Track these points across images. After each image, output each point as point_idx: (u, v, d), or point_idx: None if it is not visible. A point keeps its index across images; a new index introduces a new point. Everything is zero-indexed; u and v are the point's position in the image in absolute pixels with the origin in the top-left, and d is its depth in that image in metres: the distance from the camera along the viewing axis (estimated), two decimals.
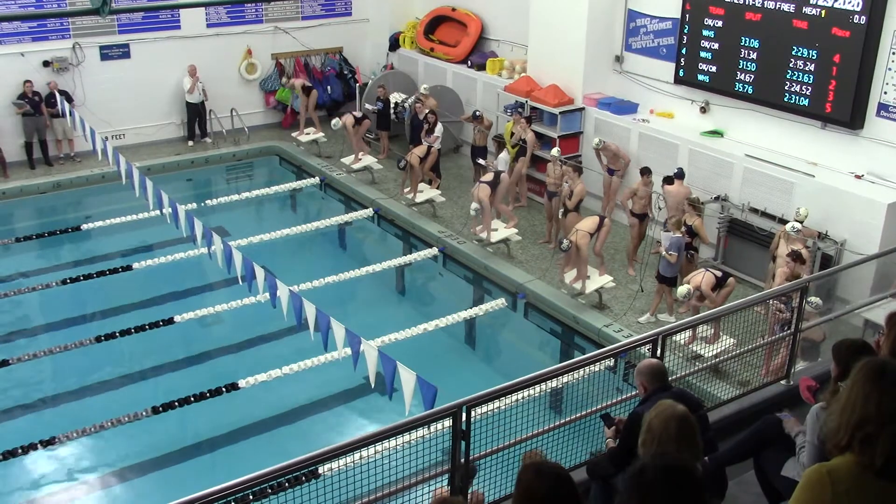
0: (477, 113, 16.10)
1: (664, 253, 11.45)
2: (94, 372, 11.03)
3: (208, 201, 16.19)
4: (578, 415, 6.18)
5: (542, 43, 16.01)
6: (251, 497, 5.51)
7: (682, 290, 10.65)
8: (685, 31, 13.89)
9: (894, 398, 2.94)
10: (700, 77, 13.82)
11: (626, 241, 14.14)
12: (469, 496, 5.29)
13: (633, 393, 6.11)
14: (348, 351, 8.88)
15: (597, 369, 6.79)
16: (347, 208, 16.32)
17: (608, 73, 15.46)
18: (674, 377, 6.41)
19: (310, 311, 9.13)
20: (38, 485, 9.32)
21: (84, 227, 14.94)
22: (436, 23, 19.30)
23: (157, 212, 13.00)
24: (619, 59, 15.34)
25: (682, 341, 10.10)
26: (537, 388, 5.79)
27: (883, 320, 5.12)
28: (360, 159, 17.05)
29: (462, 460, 5.30)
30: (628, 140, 14.51)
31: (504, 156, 14.97)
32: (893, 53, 11.41)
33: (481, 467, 5.59)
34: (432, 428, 5.36)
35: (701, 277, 10.69)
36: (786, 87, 12.51)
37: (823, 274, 10.14)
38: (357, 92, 19.53)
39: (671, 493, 2.84)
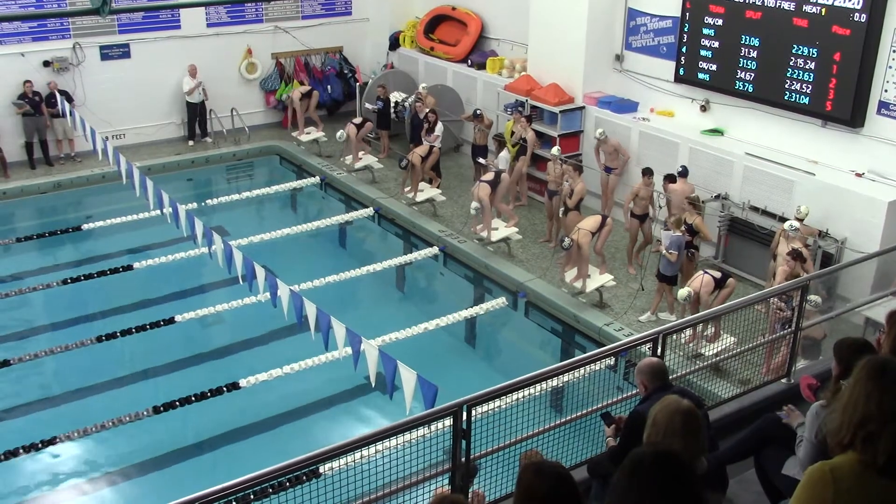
0: (477, 112, 16.09)
1: (664, 252, 11.45)
2: (95, 372, 11.02)
3: (209, 201, 16.19)
4: (579, 414, 6.18)
5: (542, 42, 16.00)
6: (252, 496, 5.52)
7: (682, 293, 10.66)
8: (685, 29, 13.88)
9: None
10: (700, 75, 13.82)
11: (627, 241, 14.15)
12: (470, 495, 5.29)
13: (634, 392, 6.10)
14: (349, 350, 8.88)
15: (597, 368, 6.79)
16: (348, 208, 16.32)
17: (608, 72, 15.45)
18: (674, 376, 6.41)
19: (310, 310, 9.13)
20: (39, 485, 9.33)
21: (85, 226, 14.94)
22: (436, 22, 19.30)
23: (158, 211, 13.00)
24: (619, 57, 15.33)
25: (683, 340, 10.13)
26: (538, 387, 5.78)
27: (884, 318, 5.12)
28: (361, 158, 17.05)
29: (463, 459, 5.30)
30: (629, 139, 14.50)
31: (504, 154, 14.96)
32: (894, 51, 11.40)
33: (482, 466, 5.59)
34: (433, 427, 5.36)
35: (700, 281, 10.68)
36: (786, 86, 12.50)
37: (824, 272, 10.16)
38: (357, 91, 19.51)
39: (664, 479, 2.85)
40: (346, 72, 20.35)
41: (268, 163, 18.82)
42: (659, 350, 6.12)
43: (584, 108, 15.38)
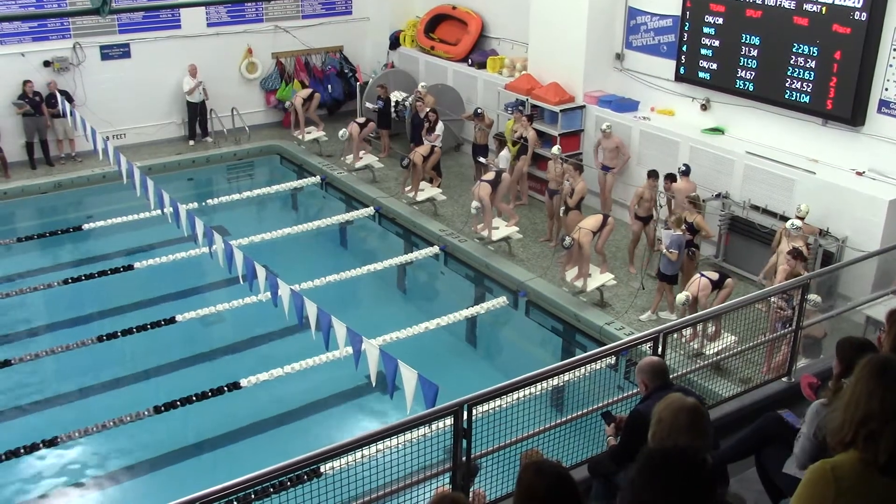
0: (478, 111, 16.09)
1: (665, 251, 11.44)
2: (95, 371, 11.03)
3: (209, 200, 16.20)
4: (580, 413, 6.18)
5: (542, 41, 15.99)
6: (253, 496, 5.51)
7: (680, 297, 10.65)
8: (686, 28, 13.87)
9: None
10: (701, 74, 13.81)
11: (628, 240, 14.14)
12: (471, 495, 5.29)
13: (635, 391, 6.10)
14: (350, 350, 8.88)
15: (598, 367, 6.79)
16: (348, 207, 16.32)
17: (609, 71, 15.45)
18: (675, 375, 6.41)
19: (311, 310, 9.13)
20: (40, 484, 9.33)
21: (85, 226, 14.95)
22: (436, 21, 19.30)
23: (158, 211, 13.01)
24: (619, 56, 15.33)
25: (685, 339, 10.13)
26: (538, 387, 5.78)
27: (884, 317, 5.11)
28: (361, 158, 17.05)
29: (463, 459, 5.30)
30: (629, 138, 14.50)
31: (505, 154, 14.96)
32: (894, 50, 11.39)
33: (483, 466, 5.59)
34: (434, 426, 5.36)
35: (697, 285, 10.66)
36: (786, 84, 12.50)
37: (825, 271, 10.15)
38: (358, 91, 19.52)
39: (683, 477, 2.82)
40: (346, 71, 20.36)
41: (268, 162, 18.82)
42: (659, 349, 6.12)
43: (584, 107, 15.38)
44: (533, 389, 5.77)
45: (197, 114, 18.54)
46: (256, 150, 18.79)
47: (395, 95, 18.26)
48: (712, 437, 4.31)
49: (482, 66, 17.87)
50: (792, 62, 12.36)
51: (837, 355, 5.02)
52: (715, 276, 10.87)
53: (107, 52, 17.72)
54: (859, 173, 11.88)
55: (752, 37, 12.88)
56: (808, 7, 12.01)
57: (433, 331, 11.81)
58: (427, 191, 15.60)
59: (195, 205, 15.09)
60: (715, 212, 12.94)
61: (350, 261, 14.26)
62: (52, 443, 9.53)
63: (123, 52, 17.87)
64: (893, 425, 2.90)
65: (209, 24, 18.66)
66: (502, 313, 12.72)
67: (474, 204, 13.62)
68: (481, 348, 12.82)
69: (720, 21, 13.32)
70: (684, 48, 13.96)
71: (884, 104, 11.60)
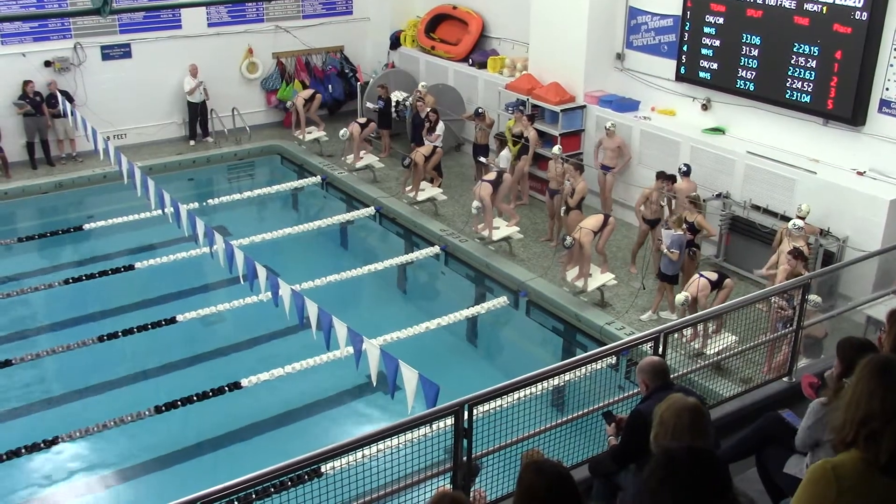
0: (479, 110, 16.10)
1: (666, 251, 11.44)
2: (96, 371, 11.03)
3: (210, 201, 16.20)
4: (580, 413, 6.18)
5: (543, 41, 15.99)
6: (254, 496, 5.51)
7: (679, 298, 10.65)
8: (686, 28, 13.87)
9: None
10: (701, 74, 13.80)
11: (629, 240, 14.14)
12: (471, 494, 5.29)
13: (635, 391, 6.10)
14: (350, 350, 8.88)
15: (599, 367, 6.78)
16: (349, 207, 16.32)
17: (609, 71, 15.45)
18: (675, 374, 6.41)
19: (312, 310, 9.13)
20: (41, 484, 9.33)
21: (86, 226, 14.95)
22: (437, 21, 19.30)
23: (159, 211, 13.01)
24: (620, 56, 15.33)
25: (685, 339, 10.12)
26: (539, 387, 5.78)
27: (885, 317, 5.11)
28: (362, 158, 17.05)
29: (464, 458, 5.30)
30: (630, 137, 14.50)
31: (506, 153, 14.95)
32: (895, 50, 11.39)
33: (483, 465, 5.60)
34: (434, 426, 5.36)
35: (696, 285, 10.66)
36: (787, 84, 12.49)
37: (825, 271, 10.15)
38: (358, 91, 19.53)
39: (700, 477, 2.81)
40: (347, 71, 20.36)
41: (269, 162, 18.83)
42: (660, 349, 6.12)
43: (585, 106, 15.38)
44: (533, 389, 5.77)
45: (197, 114, 18.55)
46: (257, 150, 18.80)
47: (396, 95, 18.26)
48: (714, 437, 4.31)
49: (483, 65, 17.87)
50: (793, 62, 12.36)
51: (838, 355, 5.02)
52: (714, 276, 10.87)
53: (107, 52, 17.72)
54: (860, 173, 11.88)
55: (753, 36, 12.88)
56: (808, 7, 12.01)
57: (434, 331, 11.81)
58: (428, 191, 15.60)
59: (196, 205, 15.09)
60: (716, 212, 12.94)
61: (351, 261, 14.27)
62: (52, 442, 9.53)
63: (124, 52, 17.88)
64: (894, 425, 2.91)
65: (210, 24, 18.67)
66: (503, 313, 12.72)
67: (475, 204, 13.62)
68: (482, 348, 12.82)
69: (721, 21, 13.32)
70: (685, 48, 13.96)
71: (884, 104, 11.60)
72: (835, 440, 3.08)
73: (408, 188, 15.71)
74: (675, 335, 6.70)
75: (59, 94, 16.62)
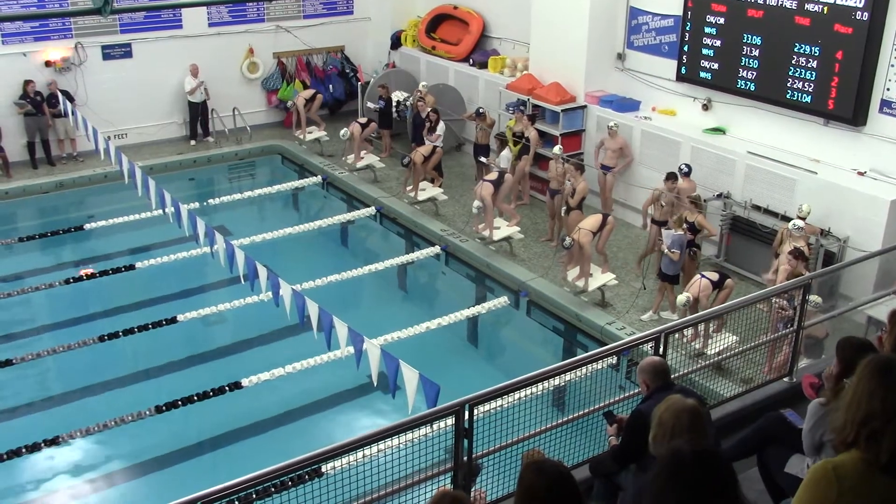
0: (480, 110, 16.10)
1: (666, 251, 11.44)
2: (97, 371, 11.03)
3: (210, 200, 16.20)
4: (581, 413, 6.18)
5: (543, 41, 15.99)
6: (254, 496, 5.51)
7: (681, 299, 10.64)
8: (687, 28, 13.87)
9: None
10: (702, 74, 13.80)
11: (630, 239, 14.15)
12: (472, 494, 5.29)
13: (636, 391, 6.10)
14: (351, 350, 8.88)
15: (599, 367, 6.78)
16: (350, 207, 16.32)
17: (610, 71, 15.45)
18: (676, 375, 6.41)
19: (312, 309, 9.13)
20: (42, 484, 9.34)
21: (87, 226, 14.96)
22: (437, 21, 19.30)
23: (160, 211, 13.01)
24: (620, 56, 15.33)
25: (686, 339, 10.12)
26: (540, 387, 5.78)
27: (885, 317, 5.11)
28: (363, 158, 17.05)
29: (465, 458, 5.30)
30: (631, 137, 14.49)
31: (506, 153, 14.96)
32: None
33: (484, 466, 5.59)
34: (435, 426, 5.36)
35: (697, 286, 10.66)
36: (788, 84, 12.49)
37: (826, 271, 10.15)
38: (359, 90, 19.53)
39: (705, 478, 2.81)
40: (347, 71, 20.36)
41: (269, 162, 18.83)
42: (661, 349, 6.12)
43: (585, 106, 15.38)
44: (534, 389, 5.77)
45: (198, 114, 18.56)
46: (258, 149, 18.80)
47: (397, 95, 18.26)
48: (713, 437, 4.32)
49: (483, 65, 17.87)
50: (793, 62, 12.35)
51: (837, 355, 5.02)
52: (715, 276, 10.87)
53: (108, 52, 17.73)
54: (861, 173, 11.87)
55: (754, 37, 12.87)
56: (809, 7, 12.01)
57: (434, 331, 11.81)
58: (428, 191, 15.60)
59: (196, 204, 15.09)
60: (716, 212, 12.94)
61: (351, 261, 14.27)
62: (53, 442, 9.54)
63: (125, 51, 17.88)
64: (895, 425, 2.91)
65: (210, 24, 18.67)
66: (503, 313, 12.72)
67: (476, 203, 13.62)
68: (482, 348, 12.82)
69: (721, 21, 13.32)
70: (686, 48, 13.95)
71: (885, 104, 11.60)
72: (835, 440, 3.09)
73: (408, 188, 15.71)
74: (676, 335, 6.69)
75: (59, 94, 16.62)
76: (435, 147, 15.76)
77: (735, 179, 12.98)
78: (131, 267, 13.37)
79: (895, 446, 2.89)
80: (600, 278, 12.30)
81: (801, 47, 12.21)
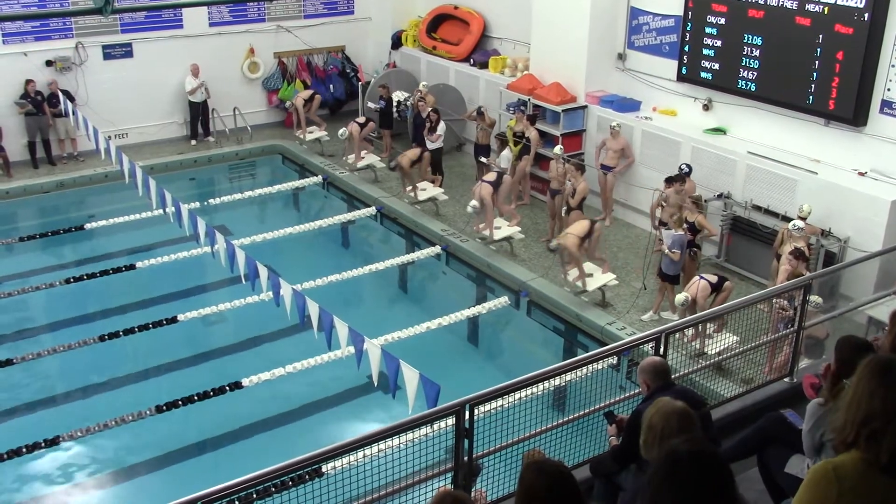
0: (481, 109, 16.11)
1: (667, 251, 11.44)
2: (97, 371, 11.04)
3: (211, 200, 16.21)
4: (581, 413, 6.18)
5: (544, 41, 15.99)
6: (254, 496, 5.51)
7: (679, 298, 10.64)
8: (688, 28, 13.86)
9: None
10: (703, 74, 13.80)
11: (630, 240, 14.14)
12: (472, 495, 5.29)
13: (636, 391, 6.10)
14: (351, 349, 8.89)
15: (600, 367, 6.78)
16: (350, 207, 16.33)
17: (611, 71, 15.44)
18: (677, 375, 6.41)
19: (313, 309, 9.13)
20: (42, 483, 9.34)
21: (87, 226, 14.96)
22: (438, 21, 19.30)
23: (160, 211, 13.01)
24: (621, 56, 15.32)
25: (686, 339, 10.12)
26: (540, 387, 5.78)
27: (887, 317, 5.11)
28: (363, 158, 17.05)
29: (465, 459, 5.30)
30: (631, 138, 14.49)
31: (507, 153, 14.96)
32: None
33: (484, 466, 5.60)
34: (435, 426, 5.37)
35: (696, 287, 10.66)
36: (789, 85, 12.47)
37: (827, 271, 10.15)
38: (360, 90, 19.53)
39: (703, 479, 2.82)
40: (348, 71, 20.36)
41: (270, 162, 18.83)
42: (661, 349, 6.12)
43: (586, 107, 15.37)
44: (534, 389, 5.77)
45: (199, 113, 18.56)
46: (258, 149, 18.80)
47: (397, 95, 18.26)
48: (703, 438, 4.30)
49: (484, 65, 17.87)
50: (794, 62, 12.35)
51: (836, 353, 5.02)
52: (714, 278, 10.86)
53: (109, 52, 17.73)
54: (861, 174, 11.87)
55: (755, 37, 12.87)
56: (810, 7, 12.00)
57: (435, 331, 11.81)
58: (429, 191, 15.59)
59: (197, 204, 15.09)
60: (717, 212, 12.94)
61: (352, 260, 14.27)
62: (53, 442, 9.53)
63: (126, 51, 17.89)
64: (895, 425, 2.90)
65: (211, 24, 18.67)
66: (504, 313, 12.72)
67: (472, 203, 13.61)
68: (483, 348, 12.82)
69: (722, 21, 13.31)
70: (686, 48, 13.95)
71: (886, 104, 11.59)
72: (836, 441, 3.08)
73: (407, 189, 15.70)
74: (677, 335, 6.69)
75: (60, 94, 16.62)
76: (423, 151, 15.66)
77: (735, 180, 12.98)
78: (132, 266, 13.36)
79: (895, 446, 2.89)
80: (601, 278, 12.30)
81: (802, 48, 12.19)
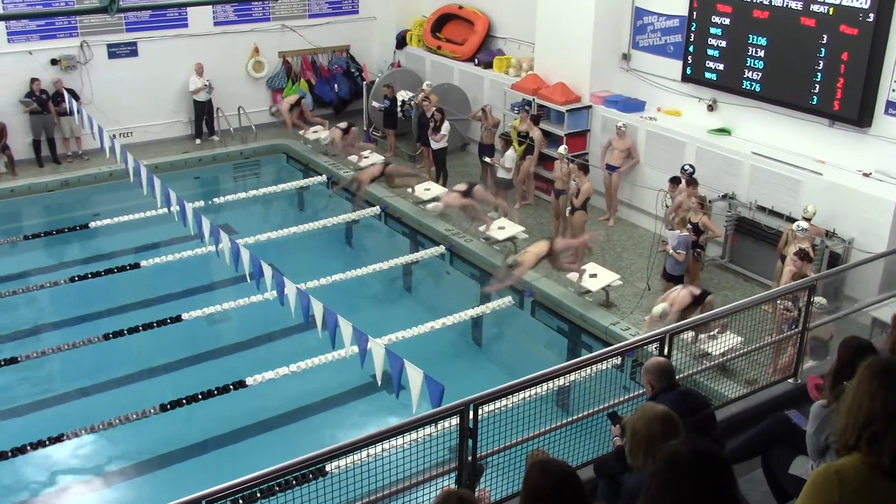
0: (485, 108, 16.11)
1: (671, 251, 11.43)
2: (102, 369, 11.06)
3: (216, 199, 16.23)
4: (585, 413, 6.19)
5: (549, 40, 15.99)
6: (258, 494, 5.53)
7: (657, 309, 10.52)
8: (692, 28, 13.85)
9: None
10: (707, 75, 13.79)
11: (634, 240, 14.14)
12: (476, 494, 5.30)
13: (641, 391, 6.11)
14: (355, 349, 8.89)
15: (604, 367, 6.79)
16: (354, 206, 16.31)
17: (615, 71, 15.44)
18: (681, 375, 6.41)
19: (317, 308, 9.15)
20: (46, 481, 9.36)
21: (92, 224, 14.98)
22: (443, 21, 19.30)
23: (165, 209, 13.03)
24: (626, 56, 15.32)
25: (689, 339, 10.11)
26: (544, 387, 5.79)
27: (890, 319, 5.11)
28: (366, 157, 17.06)
29: (469, 458, 5.31)
30: (636, 138, 14.48)
31: (511, 153, 14.96)
32: None
33: (488, 465, 5.60)
34: (439, 426, 5.37)
35: (676, 294, 10.56)
36: (793, 85, 12.46)
37: (831, 272, 10.13)
38: (364, 90, 19.54)
39: (705, 478, 2.82)
40: (352, 70, 20.37)
41: (274, 161, 18.84)
42: (666, 350, 6.12)
43: (591, 107, 15.37)
44: (539, 389, 5.78)
45: (204, 112, 18.58)
46: (263, 148, 18.82)
47: (402, 95, 18.26)
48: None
49: (488, 65, 17.87)
50: (799, 63, 12.33)
51: (839, 353, 5.02)
52: (697, 291, 10.69)
53: (114, 51, 17.77)
54: (866, 174, 11.85)
55: (759, 37, 12.86)
56: (815, 8, 11.99)
57: (439, 330, 11.80)
58: (433, 190, 15.59)
59: (202, 203, 15.12)
60: (721, 213, 12.93)
61: (356, 260, 14.27)
62: (58, 440, 9.54)
63: (131, 50, 17.92)
64: None
65: (216, 23, 18.70)
66: (508, 313, 12.71)
67: (436, 205, 13.67)
68: (487, 348, 12.82)
69: (727, 22, 13.30)
70: (691, 48, 13.94)
71: (891, 105, 11.57)
72: (837, 444, 3.08)
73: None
74: (681, 336, 6.69)
75: (65, 92, 16.65)
76: (387, 164, 15.47)
77: (740, 180, 12.97)
78: (136, 265, 13.37)
79: None
80: (605, 278, 12.29)
81: (807, 48, 12.18)
